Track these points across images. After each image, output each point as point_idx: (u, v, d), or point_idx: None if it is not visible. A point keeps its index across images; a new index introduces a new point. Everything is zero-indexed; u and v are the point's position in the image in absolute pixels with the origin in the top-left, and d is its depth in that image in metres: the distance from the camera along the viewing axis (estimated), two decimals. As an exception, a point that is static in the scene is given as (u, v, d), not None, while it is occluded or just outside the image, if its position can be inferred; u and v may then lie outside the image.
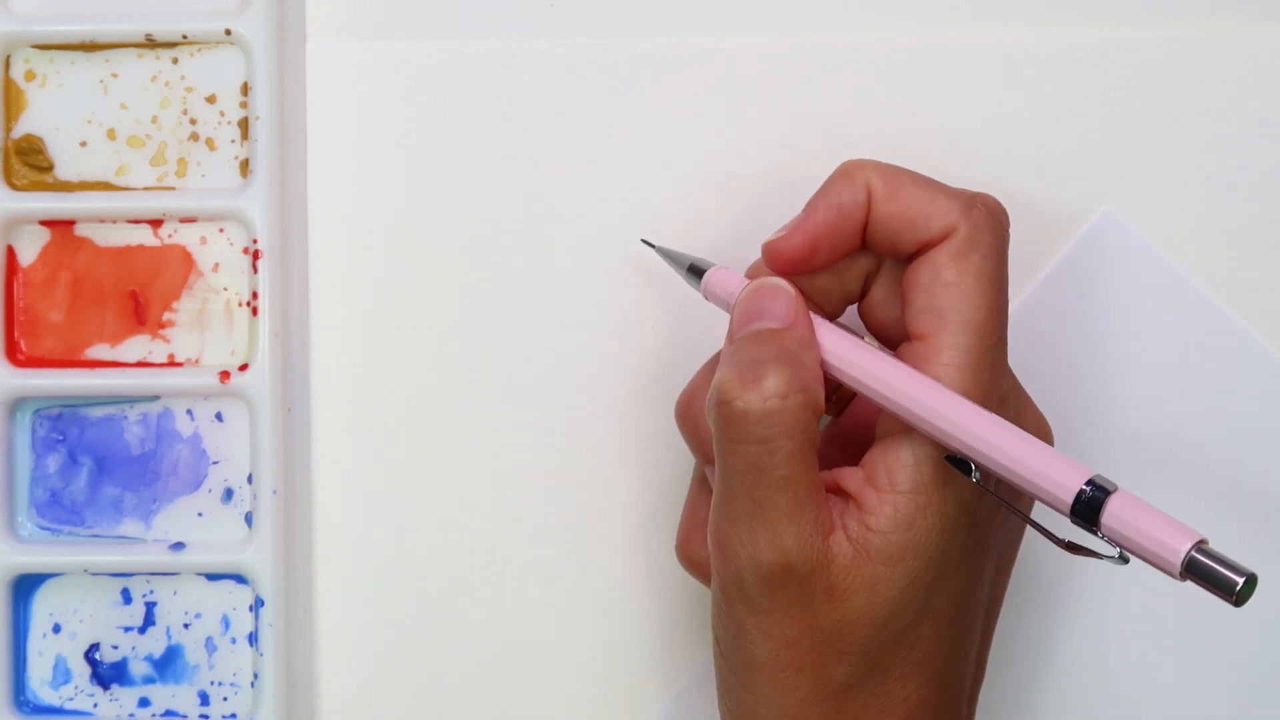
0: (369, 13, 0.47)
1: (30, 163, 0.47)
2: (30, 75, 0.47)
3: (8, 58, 0.47)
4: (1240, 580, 0.34)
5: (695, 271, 0.43)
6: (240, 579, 0.47)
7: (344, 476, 0.47)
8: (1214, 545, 0.35)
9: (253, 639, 0.47)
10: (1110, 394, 0.47)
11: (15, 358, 0.47)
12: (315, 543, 0.47)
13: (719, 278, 0.43)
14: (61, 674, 0.47)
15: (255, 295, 0.46)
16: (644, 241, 0.45)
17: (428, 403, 0.47)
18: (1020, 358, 0.47)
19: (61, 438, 0.47)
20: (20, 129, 0.47)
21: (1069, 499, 0.36)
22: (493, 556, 0.47)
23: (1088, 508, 0.36)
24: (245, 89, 0.47)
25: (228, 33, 0.46)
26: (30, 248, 0.47)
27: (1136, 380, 0.47)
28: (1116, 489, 0.36)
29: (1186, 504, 0.47)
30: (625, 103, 0.47)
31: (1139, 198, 0.47)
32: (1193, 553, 0.35)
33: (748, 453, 0.38)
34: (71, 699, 0.47)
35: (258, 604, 0.46)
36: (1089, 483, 0.36)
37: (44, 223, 0.47)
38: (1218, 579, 0.35)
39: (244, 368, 0.46)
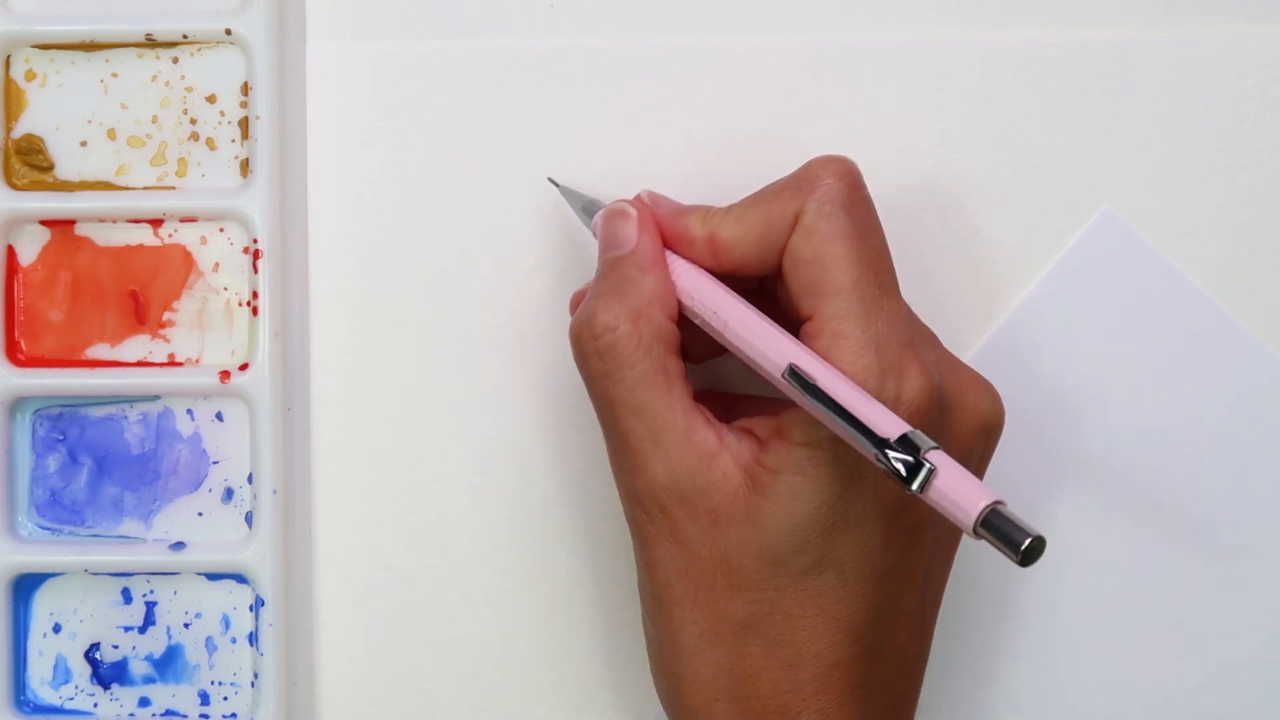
0: (369, 13, 0.47)
1: (30, 162, 0.47)
2: (30, 75, 0.47)
3: (8, 58, 0.47)
4: (1027, 540, 0.35)
5: (589, 211, 0.44)
6: (240, 579, 0.47)
7: (344, 476, 0.47)
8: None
9: (253, 639, 0.47)
10: (1110, 393, 0.47)
11: (15, 358, 0.47)
12: (315, 543, 0.47)
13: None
14: (62, 674, 0.47)
15: (255, 295, 0.46)
16: (549, 180, 0.46)
17: (427, 402, 0.47)
18: (1020, 357, 0.47)
19: (61, 437, 0.47)
20: (20, 129, 0.47)
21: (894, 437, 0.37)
22: (493, 556, 0.47)
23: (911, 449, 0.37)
24: (245, 89, 0.47)
25: (228, 33, 0.46)
26: (30, 247, 0.47)
27: (1136, 380, 0.47)
28: (934, 446, 0.37)
29: (1185, 503, 0.47)
30: (625, 103, 0.47)
31: (1139, 198, 0.47)
32: (990, 511, 0.36)
33: (599, 388, 0.41)
34: (72, 699, 0.47)
35: (258, 604, 0.46)
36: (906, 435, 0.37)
37: (44, 222, 0.47)
38: (1007, 537, 0.35)
39: (244, 368, 0.46)
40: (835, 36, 0.47)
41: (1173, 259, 0.47)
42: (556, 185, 0.46)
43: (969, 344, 0.47)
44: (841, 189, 0.40)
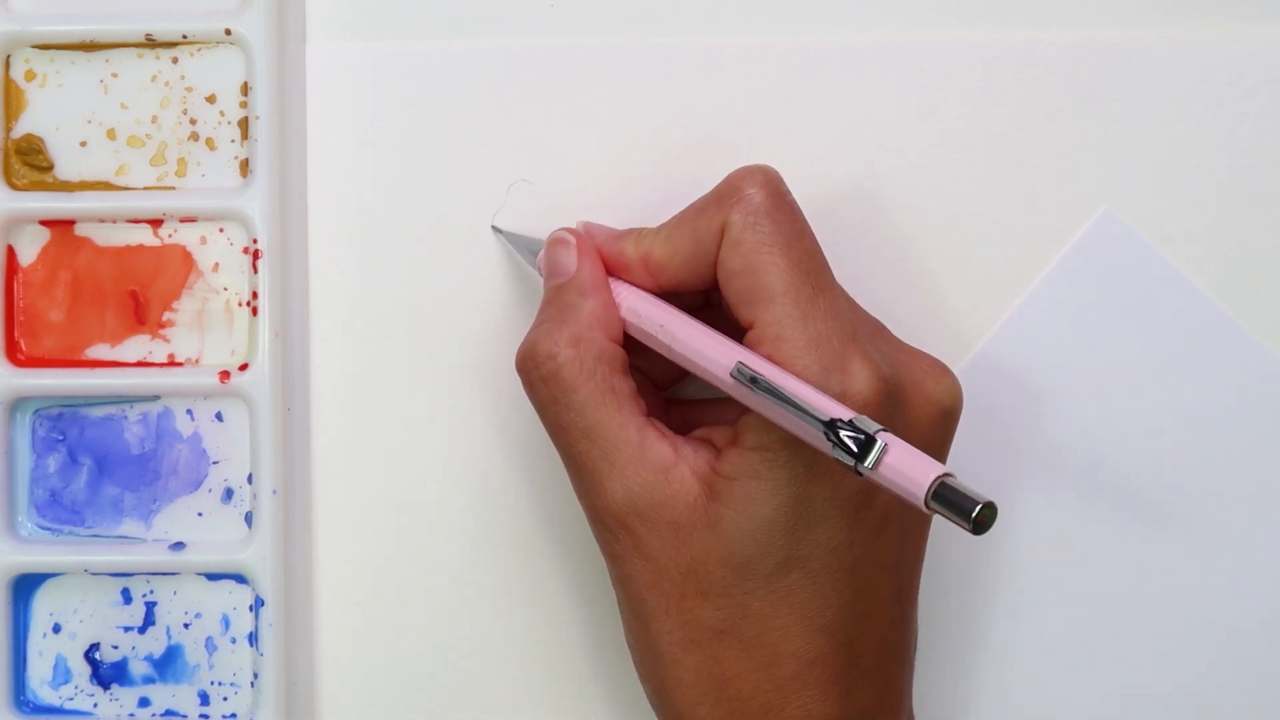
0: (369, 13, 0.47)
1: (30, 162, 0.47)
2: (30, 75, 0.47)
3: (8, 58, 0.47)
4: (977, 507, 0.35)
5: (534, 252, 0.45)
6: (240, 579, 0.47)
7: (344, 476, 0.47)
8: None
9: (253, 639, 0.47)
10: (1109, 393, 0.47)
11: (15, 358, 0.47)
12: (315, 543, 0.47)
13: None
14: (61, 674, 0.47)
15: (255, 295, 0.46)
16: (493, 228, 0.47)
17: (428, 402, 0.47)
18: (1020, 357, 0.47)
19: (61, 437, 0.47)
20: (20, 129, 0.47)
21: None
22: (493, 556, 0.47)
23: (866, 441, 0.37)
24: (245, 89, 0.47)
25: (228, 33, 0.46)
26: (30, 248, 0.47)
27: (1136, 380, 0.47)
28: (881, 428, 0.37)
29: (1185, 502, 0.47)
30: (625, 103, 0.47)
31: (1139, 198, 0.47)
32: (940, 484, 0.36)
33: (548, 414, 0.41)
34: (71, 699, 0.47)
35: (258, 604, 0.46)
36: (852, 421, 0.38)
37: (44, 223, 0.47)
38: (958, 507, 0.36)
39: (244, 368, 0.46)
40: (835, 36, 0.47)
41: (1173, 259, 0.47)
42: (500, 231, 0.47)
43: (969, 344, 0.47)
44: (764, 198, 0.41)
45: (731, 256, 0.41)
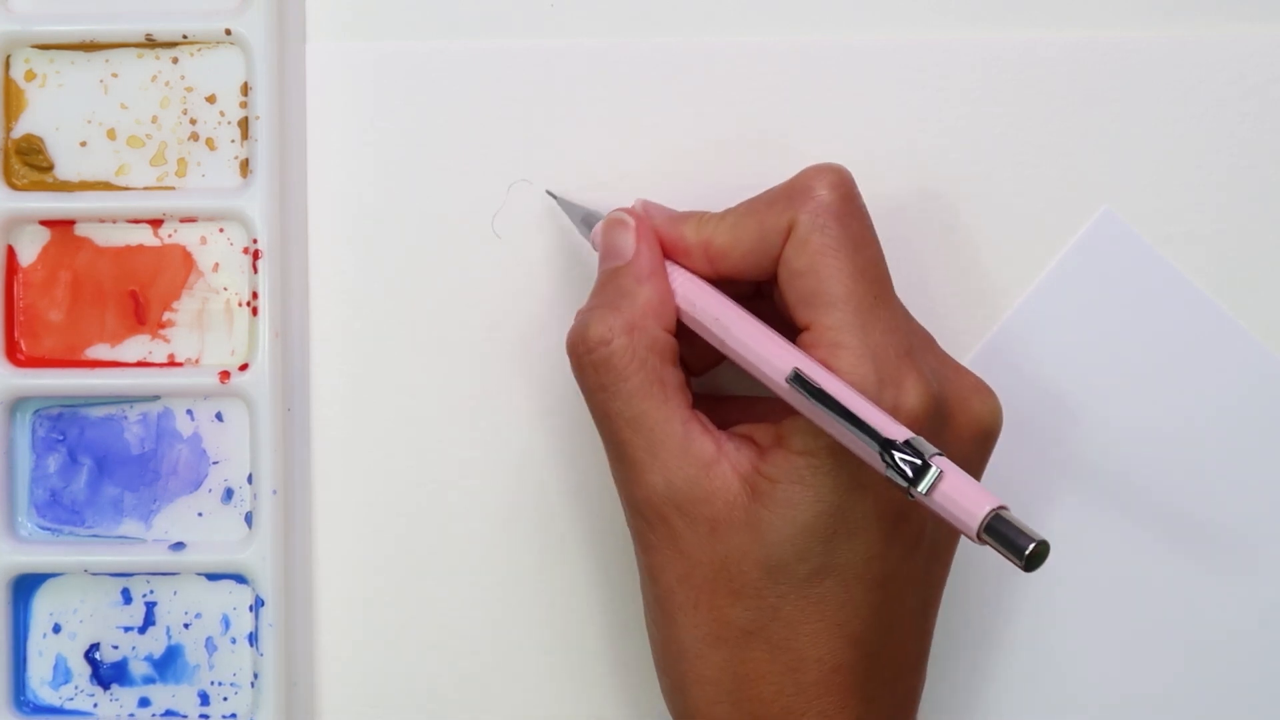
0: (369, 13, 0.47)
1: (30, 163, 0.47)
2: (30, 75, 0.47)
3: (8, 58, 0.47)
4: (1031, 544, 0.35)
5: (588, 223, 0.45)
6: (240, 579, 0.47)
7: (344, 476, 0.47)
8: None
9: (253, 639, 0.47)
10: (1109, 393, 0.47)
11: (15, 358, 0.47)
12: (315, 543, 0.47)
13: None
14: (61, 674, 0.47)
15: (255, 295, 0.46)
16: (547, 193, 0.46)
17: (428, 402, 0.47)
18: (1021, 357, 0.47)
19: (61, 438, 0.47)
20: (20, 129, 0.47)
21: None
22: (493, 556, 0.47)
23: (918, 460, 0.37)
24: (245, 89, 0.47)
25: (228, 33, 0.46)
26: (30, 248, 0.47)
27: (1136, 380, 0.47)
28: (937, 452, 0.37)
29: (1185, 503, 0.47)
30: (625, 103, 0.47)
31: (1139, 198, 0.47)
32: (994, 516, 0.36)
33: (596, 400, 0.41)
34: (71, 699, 0.47)
35: (258, 604, 0.46)
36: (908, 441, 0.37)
37: (44, 223, 0.47)
38: (1010, 542, 0.35)
39: (244, 368, 0.46)
40: (835, 36, 0.47)
41: (1173, 259, 0.47)
42: (555, 197, 0.46)
43: (969, 344, 0.47)
44: (835, 200, 0.40)
45: (796, 256, 0.40)
